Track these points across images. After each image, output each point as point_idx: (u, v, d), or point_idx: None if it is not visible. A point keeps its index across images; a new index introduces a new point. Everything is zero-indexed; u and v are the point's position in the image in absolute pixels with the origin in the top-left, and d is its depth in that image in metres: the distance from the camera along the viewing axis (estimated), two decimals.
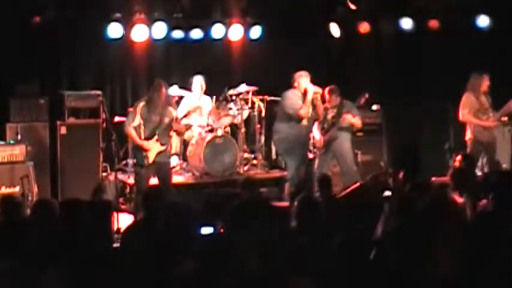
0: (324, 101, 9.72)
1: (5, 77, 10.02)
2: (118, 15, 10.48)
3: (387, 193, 6.74)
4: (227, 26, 11.17)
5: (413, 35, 11.64)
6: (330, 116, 9.76)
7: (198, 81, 10.87)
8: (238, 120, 10.96)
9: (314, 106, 9.61)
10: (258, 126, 11.24)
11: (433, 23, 11.57)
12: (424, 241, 4.56)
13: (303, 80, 9.56)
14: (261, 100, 11.21)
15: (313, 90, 9.49)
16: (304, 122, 9.62)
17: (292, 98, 9.59)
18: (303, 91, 9.53)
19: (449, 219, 5.11)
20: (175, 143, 10.39)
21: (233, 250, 4.54)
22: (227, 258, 4.44)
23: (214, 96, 10.98)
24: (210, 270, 4.32)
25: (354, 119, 9.71)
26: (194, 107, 10.61)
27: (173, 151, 10.20)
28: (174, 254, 4.84)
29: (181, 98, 10.73)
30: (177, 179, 10.13)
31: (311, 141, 10.05)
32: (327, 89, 9.69)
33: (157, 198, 6.29)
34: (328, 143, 9.76)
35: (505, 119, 10.69)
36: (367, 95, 9.93)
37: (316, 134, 9.85)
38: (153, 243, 5.11)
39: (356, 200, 7.61)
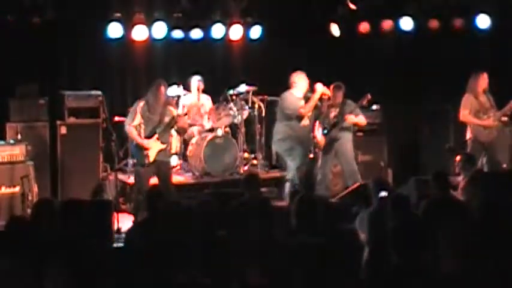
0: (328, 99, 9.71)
1: (5, 77, 10.03)
2: (118, 15, 10.48)
3: (383, 193, 6.71)
4: (227, 26, 11.16)
5: (413, 35, 11.64)
6: (332, 114, 9.75)
7: (196, 81, 10.86)
8: (238, 120, 10.96)
9: (318, 106, 9.60)
10: (258, 126, 11.23)
11: (433, 23, 11.56)
12: (424, 241, 4.56)
13: (301, 79, 9.56)
14: (261, 100, 11.20)
15: (321, 91, 9.48)
16: (305, 121, 9.62)
17: (290, 99, 9.59)
18: (307, 90, 9.52)
19: (450, 219, 5.11)
20: (175, 142, 10.40)
21: (233, 251, 4.54)
22: (228, 260, 4.44)
23: (214, 96, 10.99)
24: (209, 273, 4.32)
25: (356, 119, 9.70)
26: (193, 106, 10.60)
27: (173, 151, 10.21)
28: (176, 255, 4.84)
29: (179, 97, 10.73)
30: (177, 179, 10.14)
31: (312, 141, 10.04)
32: (332, 86, 9.68)
33: (161, 198, 6.29)
34: (329, 143, 9.74)
35: (505, 119, 10.68)
36: (369, 96, 9.91)
37: (318, 134, 9.83)
38: (155, 244, 5.11)
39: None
